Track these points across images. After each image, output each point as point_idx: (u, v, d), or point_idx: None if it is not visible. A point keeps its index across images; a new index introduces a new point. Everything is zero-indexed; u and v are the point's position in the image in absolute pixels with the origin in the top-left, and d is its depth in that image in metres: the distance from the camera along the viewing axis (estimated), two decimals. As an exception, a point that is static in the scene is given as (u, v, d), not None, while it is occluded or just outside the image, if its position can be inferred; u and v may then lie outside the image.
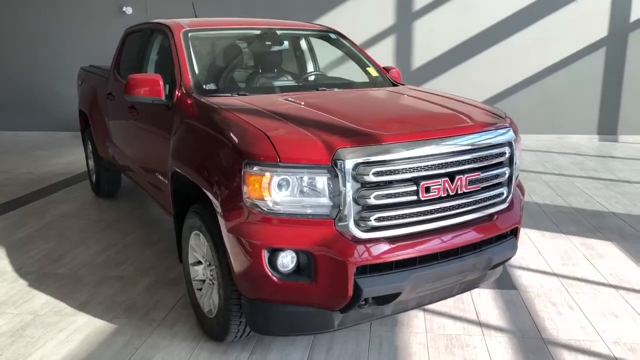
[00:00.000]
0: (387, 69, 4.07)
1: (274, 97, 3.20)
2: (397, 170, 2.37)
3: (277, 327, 2.56)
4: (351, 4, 8.65)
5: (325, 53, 4.58)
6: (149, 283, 3.66)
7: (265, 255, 2.37)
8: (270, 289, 2.41)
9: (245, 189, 2.39)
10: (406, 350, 2.83)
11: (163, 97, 3.24)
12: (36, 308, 3.34)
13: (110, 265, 3.97)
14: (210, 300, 2.91)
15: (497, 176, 2.70)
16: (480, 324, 3.08)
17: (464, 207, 2.58)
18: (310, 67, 4.53)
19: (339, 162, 2.31)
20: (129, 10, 9.20)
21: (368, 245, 2.37)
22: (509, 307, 3.25)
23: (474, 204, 2.61)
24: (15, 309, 3.33)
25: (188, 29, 3.64)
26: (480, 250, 2.66)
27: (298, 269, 2.41)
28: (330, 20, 8.51)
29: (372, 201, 2.35)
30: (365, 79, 4.00)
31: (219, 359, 2.78)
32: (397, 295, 2.47)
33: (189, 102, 3.12)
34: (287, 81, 3.89)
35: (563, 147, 8.19)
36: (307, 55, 4.56)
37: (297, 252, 2.39)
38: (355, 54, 4.10)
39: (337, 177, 2.32)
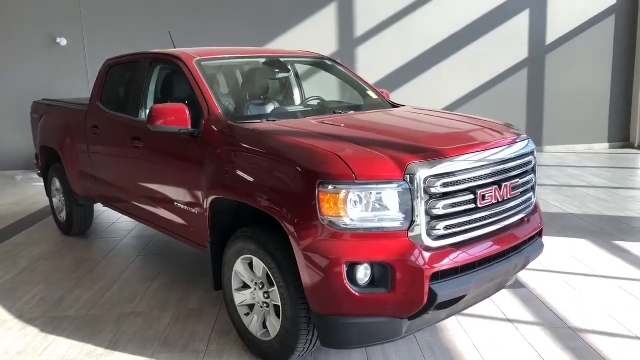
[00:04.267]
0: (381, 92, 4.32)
1: (308, 121, 3.32)
2: (460, 181, 2.59)
3: (350, 340, 2.64)
4: (296, 31, 8.91)
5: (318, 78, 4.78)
6: (173, 316, 3.58)
7: (345, 269, 2.47)
8: (349, 302, 2.50)
9: (320, 207, 2.49)
10: (457, 351, 3.02)
11: (190, 127, 3.25)
12: (63, 353, 3.16)
13: (121, 303, 3.82)
14: (266, 323, 2.93)
15: (527, 182, 2.99)
16: (510, 320, 3.34)
17: (508, 211, 2.84)
18: (297, 92, 4.68)
19: (410, 176, 2.48)
20: (63, 41, 8.85)
21: (438, 252, 2.54)
22: (528, 304, 3.55)
23: (515, 209, 2.88)
24: (38, 356, 3.14)
25: (199, 58, 3.67)
26: (520, 251, 2.93)
27: (373, 281, 2.53)
28: (276, 46, 8.71)
29: (440, 211, 2.53)
30: (361, 101, 4.22)
31: (285, 380, 2.80)
32: (461, 298, 2.66)
33: (223, 129, 3.16)
34: (305, 106, 4.01)
35: (500, 159, 8.85)
36: (294, 81, 4.70)
37: (372, 264, 2.51)
38: (352, 78, 4.31)
39: (409, 190, 2.48)
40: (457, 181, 2.58)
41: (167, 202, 3.68)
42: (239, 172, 2.94)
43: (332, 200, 2.47)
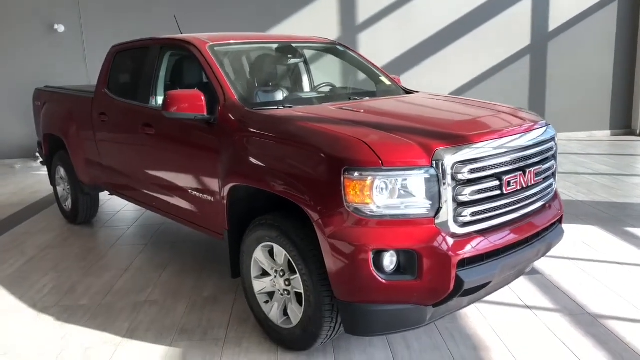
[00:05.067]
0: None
1: (325, 107, 3.27)
2: (486, 167, 2.56)
3: (375, 327, 2.61)
4: (296, 18, 8.82)
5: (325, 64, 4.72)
6: (188, 304, 3.55)
7: (371, 256, 2.44)
8: (375, 289, 2.48)
9: (345, 194, 2.45)
10: (479, 337, 3.01)
11: (206, 113, 3.20)
12: (81, 341, 3.13)
13: (134, 291, 3.79)
14: (287, 310, 2.90)
15: (549, 169, 2.97)
16: (528, 307, 3.34)
17: (532, 198, 2.82)
18: (308, 78, 4.63)
19: (438, 162, 2.45)
20: (60, 28, 8.71)
21: (465, 239, 2.52)
22: (544, 290, 3.55)
23: (537, 195, 2.87)
24: (56, 344, 3.11)
25: (212, 43, 3.61)
26: (542, 237, 2.91)
27: (399, 268, 2.50)
28: (278, 33, 8.62)
29: (467, 197, 2.51)
30: (372, 87, 4.17)
31: (307, 367, 2.80)
32: (486, 284, 2.65)
33: (241, 116, 3.11)
34: (318, 92, 3.97)
35: (503, 146, 8.85)
36: (304, 67, 4.64)
37: (397, 251, 2.48)
38: (364, 64, 4.26)
39: (437, 176, 2.45)
40: (483, 167, 2.55)
41: (180, 190, 3.63)
42: (259, 160, 2.89)
43: (358, 187, 2.43)
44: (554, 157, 3.06)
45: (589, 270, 3.83)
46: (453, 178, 2.47)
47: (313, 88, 4.37)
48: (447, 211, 2.48)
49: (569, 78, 9.34)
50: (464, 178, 2.49)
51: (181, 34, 4.24)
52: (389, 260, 2.47)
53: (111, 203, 6.16)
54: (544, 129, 3.01)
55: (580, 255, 4.10)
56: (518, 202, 2.72)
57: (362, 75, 4.28)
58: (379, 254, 2.45)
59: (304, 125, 2.80)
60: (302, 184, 2.63)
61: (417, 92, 4.03)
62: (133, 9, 8.65)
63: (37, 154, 8.36)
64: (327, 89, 4.07)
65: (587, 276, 3.74)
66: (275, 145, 2.84)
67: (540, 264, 3.94)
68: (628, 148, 8.48)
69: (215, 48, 3.59)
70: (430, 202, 2.47)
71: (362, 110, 3.10)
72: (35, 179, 7.74)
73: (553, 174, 3.08)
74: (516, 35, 9.16)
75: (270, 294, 3.03)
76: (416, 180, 2.45)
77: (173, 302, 3.59)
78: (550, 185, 3.02)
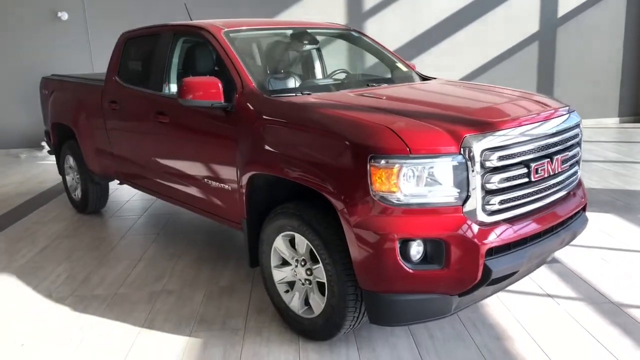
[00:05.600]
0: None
1: (345, 93, 3.21)
2: (515, 154, 2.51)
3: (400, 317, 2.58)
4: (302, 4, 8.72)
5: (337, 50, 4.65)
6: (205, 294, 3.52)
7: (397, 246, 2.40)
8: (401, 279, 2.44)
9: (371, 183, 2.40)
10: (501, 326, 2.98)
11: (223, 100, 3.14)
12: (99, 332, 3.10)
13: (149, 281, 3.76)
14: (309, 300, 2.87)
15: (574, 156, 2.92)
16: (549, 295, 3.30)
17: (558, 185, 2.77)
18: (321, 65, 4.56)
19: (466, 149, 2.39)
20: (64, 16, 8.61)
21: (493, 227, 2.48)
22: (565, 279, 3.51)
23: (563, 182, 2.82)
24: (75, 335, 3.07)
25: (227, 29, 3.54)
26: (567, 225, 2.87)
27: (425, 257, 2.46)
28: (282, 19, 8.53)
29: (496, 185, 2.46)
30: (388, 74, 4.10)
31: (331, 358, 2.76)
32: (512, 274, 2.61)
33: (259, 104, 3.06)
34: (335, 79, 3.90)
35: (511, 134, 8.78)
36: (317, 53, 4.58)
37: (424, 240, 2.44)
38: (380, 51, 4.19)
39: (465, 164, 2.40)
40: (512, 154, 2.50)
41: (196, 179, 3.59)
42: (280, 148, 2.84)
43: (384, 175, 2.38)
44: (578, 144, 3.01)
45: (608, 259, 3.80)
46: (482, 165, 2.42)
47: (328, 75, 4.30)
48: (476, 199, 2.43)
49: (578, 65, 9.25)
50: (492, 165, 2.44)
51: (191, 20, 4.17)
52: (416, 250, 2.43)
53: (119, 193, 6.11)
54: (570, 115, 2.96)
55: (599, 244, 4.06)
56: (545, 189, 2.68)
57: (378, 62, 4.21)
58: (405, 243, 2.41)
59: (326, 112, 2.75)
60: (325, 173, 2.58)
61: (435, 78, 3.97)
62: (137, -4, 8.56)
63: (44, 144, 8.32)
64: (342, 75, 4.00)
65: (607, 264, 3.71)
66: (297, 132, 2.79)
67: (559, 252, 3.88)
68: (637, 135, 8.42)
69: (231, 34, 3.52)
70: (458, 190, 2.42)
71: (383, 97, 3.05)
72: (41, 169, 7.69)
73: (577, 162, 3.03)
74: (524, 22, 9.06)
75: (291, 284, 2.99)
76: (444, 167, 2.39)
77: (190, 292, 3.56)
78: (575, 172, 2.98)
